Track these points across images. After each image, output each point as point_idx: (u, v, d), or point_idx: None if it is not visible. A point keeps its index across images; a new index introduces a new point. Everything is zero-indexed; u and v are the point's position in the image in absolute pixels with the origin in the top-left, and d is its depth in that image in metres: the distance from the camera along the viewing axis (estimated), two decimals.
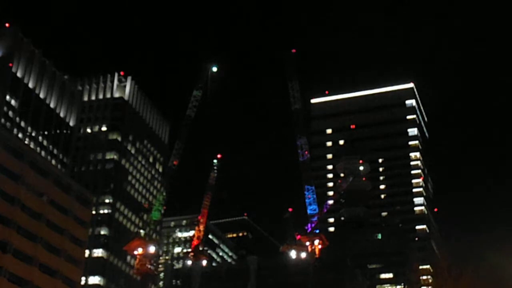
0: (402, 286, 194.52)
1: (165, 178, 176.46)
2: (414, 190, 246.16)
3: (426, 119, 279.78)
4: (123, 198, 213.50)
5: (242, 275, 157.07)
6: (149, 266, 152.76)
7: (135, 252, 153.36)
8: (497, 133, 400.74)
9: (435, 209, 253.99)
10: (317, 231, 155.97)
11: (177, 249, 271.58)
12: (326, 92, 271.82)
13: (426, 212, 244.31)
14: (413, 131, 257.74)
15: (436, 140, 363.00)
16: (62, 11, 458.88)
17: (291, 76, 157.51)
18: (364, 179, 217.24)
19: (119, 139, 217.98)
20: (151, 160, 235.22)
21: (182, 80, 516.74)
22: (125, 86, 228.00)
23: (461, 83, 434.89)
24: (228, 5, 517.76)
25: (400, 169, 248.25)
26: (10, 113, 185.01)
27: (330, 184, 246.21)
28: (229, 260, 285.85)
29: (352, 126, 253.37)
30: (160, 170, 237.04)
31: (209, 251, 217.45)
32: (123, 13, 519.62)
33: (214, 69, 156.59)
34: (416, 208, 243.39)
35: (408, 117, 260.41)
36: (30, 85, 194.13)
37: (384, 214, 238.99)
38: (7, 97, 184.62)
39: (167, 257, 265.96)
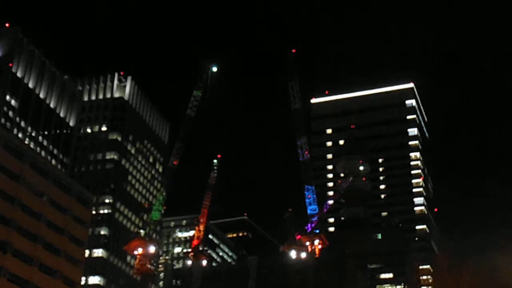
0: (402, 286, 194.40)
1: (165, 178, 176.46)
2: (414, 190, 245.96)
3: (426, 119, 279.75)
4: (123, 198, 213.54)
5: (242, 275, 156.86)
6: (149, 266, 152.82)
7: (135, 252, 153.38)
8: (497, 133, 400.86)
9: (435, 209, 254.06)
10: (317, 231, 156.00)
11: (177, 249, 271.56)
12: (326, 92, 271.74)
13: (426, 212, 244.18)
14: (413, 131, 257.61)
15: (436, 140, 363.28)
16: (62, 11, 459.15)
17: (291, 76, 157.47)
18: (364, 179, 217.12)
19: (119, 139, 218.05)
20: (151, 160, 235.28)
21: (182, 80, 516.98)
22: (125, 86, 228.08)
23: (461, 83, 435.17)
24: (228, 5, 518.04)
25: (400, 169, 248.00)
26: (10, 113, 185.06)
27: (330, 184, 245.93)
28: (229, 260, 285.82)
29: (352, 126, 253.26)
30: (160, 170, 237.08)
31: (209, 251, 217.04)
32: (123, 13, 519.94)
33: (214, 69, 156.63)
34: (416, 208, 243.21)
35: (408, 117, 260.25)
36: (30, 85, 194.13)
37: (384, 214, 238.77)
38: (7, 97, 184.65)
39: (167, 257, 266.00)
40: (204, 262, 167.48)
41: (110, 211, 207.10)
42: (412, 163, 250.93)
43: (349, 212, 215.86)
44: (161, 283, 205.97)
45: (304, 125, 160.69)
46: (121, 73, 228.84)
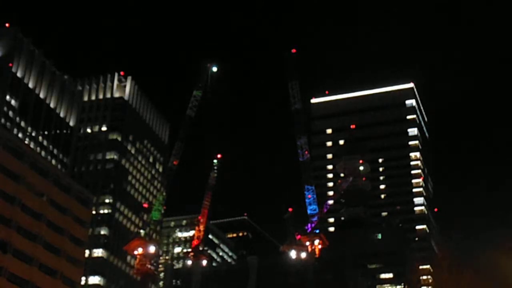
0: (402, 286, 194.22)
1: (165, 178, 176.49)
2: (414, 190, 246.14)
3: (426, 119, 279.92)
4: (123, 198, 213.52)
5: (242, 275, 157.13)
6: (149, 266, 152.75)
7: (135, 252, 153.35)
8: (497, 133, 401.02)
9: (435, 209, 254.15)
10: (317, 231, 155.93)
11: (177, 249, 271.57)
12: (326, 92, 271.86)
13: (426, 212, 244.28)
14: (413, 131, 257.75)
15: (436, 140, 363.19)
16: (62, 11, 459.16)
17: (291, 76, 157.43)
18: (364, 179, 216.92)
19: (119, 139, 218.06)
20: (151, 160, 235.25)
21: (182, 80, 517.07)
22: (125, 86, 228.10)
23: (461, 83, 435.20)
24: (228, 5, 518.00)
25: (400, 169, 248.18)
26: (10, 113, 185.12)
27: (330, 184, 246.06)
28: (229, 260, 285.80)
29: (352, 126, 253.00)
30: (160, 170, 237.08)
31: (209, 251, 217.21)
32: (123, 13, 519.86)
33: (214, 69, 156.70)
34: (416, 208, 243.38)
35: (408, 117, 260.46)
36: (30, 85, 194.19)
37: (384, 214, 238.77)
38: (7, 97, 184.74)
39: (167, 257, 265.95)
40: (204, 262, 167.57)
41: (110, 211, 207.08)
42: (412, 163, 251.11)
43: (349, 212, 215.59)
44: (161, 283, 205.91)
45: (304, 125, 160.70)
46: (121, 73, 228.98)
